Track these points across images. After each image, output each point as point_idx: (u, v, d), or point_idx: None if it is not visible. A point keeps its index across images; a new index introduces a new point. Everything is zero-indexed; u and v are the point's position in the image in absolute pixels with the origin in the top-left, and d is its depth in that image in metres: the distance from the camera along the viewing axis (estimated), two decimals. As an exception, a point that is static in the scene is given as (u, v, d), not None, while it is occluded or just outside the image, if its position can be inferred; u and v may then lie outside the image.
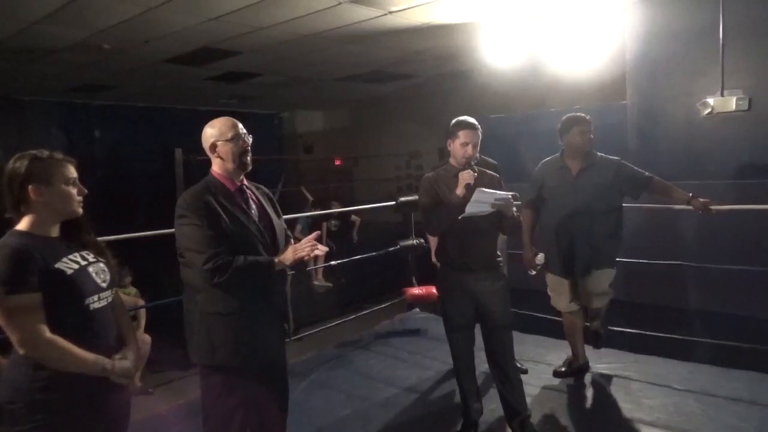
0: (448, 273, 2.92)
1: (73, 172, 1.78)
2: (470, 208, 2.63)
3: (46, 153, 1.74)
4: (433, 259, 3.72)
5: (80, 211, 1.80)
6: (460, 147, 2.83)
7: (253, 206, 2.23)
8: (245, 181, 2.26)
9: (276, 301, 2.23)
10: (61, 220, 1.77)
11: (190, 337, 2.17)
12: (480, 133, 2.85)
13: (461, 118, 2.89)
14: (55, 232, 1.76)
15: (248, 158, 2.19)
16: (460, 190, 2.73)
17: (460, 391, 3.00)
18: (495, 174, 2.98)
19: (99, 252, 1.85)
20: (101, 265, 1.81)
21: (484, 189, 2.61)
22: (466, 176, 2.73)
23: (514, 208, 2.70)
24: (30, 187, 1.68)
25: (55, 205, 1.73)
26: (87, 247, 1.81)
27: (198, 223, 2.04)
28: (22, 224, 1.71)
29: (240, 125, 2.19)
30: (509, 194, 2.67)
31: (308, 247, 2.10)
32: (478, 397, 3.01)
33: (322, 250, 2.14)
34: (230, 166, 2.16)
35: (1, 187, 1.71)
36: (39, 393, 1.60)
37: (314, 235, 2.21)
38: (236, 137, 2.15)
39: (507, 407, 2.88)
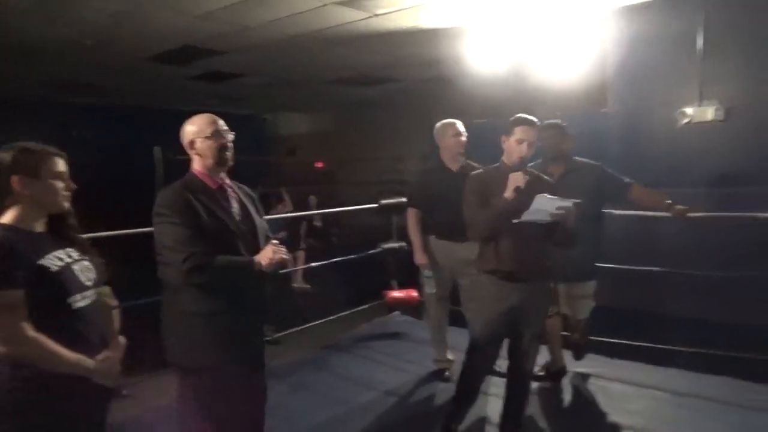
0: (490, 283, 2.66)
1: (62, 166, 1.73)
2: (528, 215, 2.45)
3: (36, 145, 1.70)
4: (417, 260, 3.71)
5: (67, 206, 1.76)
6: (515, 144, 2.63)
7: (235, 205, 2.20)
8: (227, 180, 2.23)
9: (256, 301, 2.20)
10: (46, 215, 1.73)
11: (167, 337, 2.13)
12: (539, 133, 2.70)
13: (520, 114, 2.69)
14: (40, 227, 1.71)
15: (228, 154, 2.16)
16: (509, 193, 2.53)
17: (456, 405, 2.89)
18: (549, 180, 2.81)
19: (85, 250, 1.80)
20: (86, 263, 1.76)
21: (547, 195, 2.45)
22: (518, 178, 2.53)
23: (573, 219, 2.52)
24: (15, 178, 1.64)
25: (41, 199, 1.69)
26: (73, 245, 1.77)
27: (176, 221, 2.00)
28: (6, 217, 1.66)
29: (220, 121, 2.16)
30: (572, 202, 2.48)
31: (281, 252, 2.09)
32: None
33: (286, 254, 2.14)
34: (210, 163, 2.13)
35: None
36: (18, 393, 1.56)
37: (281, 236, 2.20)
38: (216, 133, 2.13)
39: (509, 417, 2.82)
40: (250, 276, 2.09)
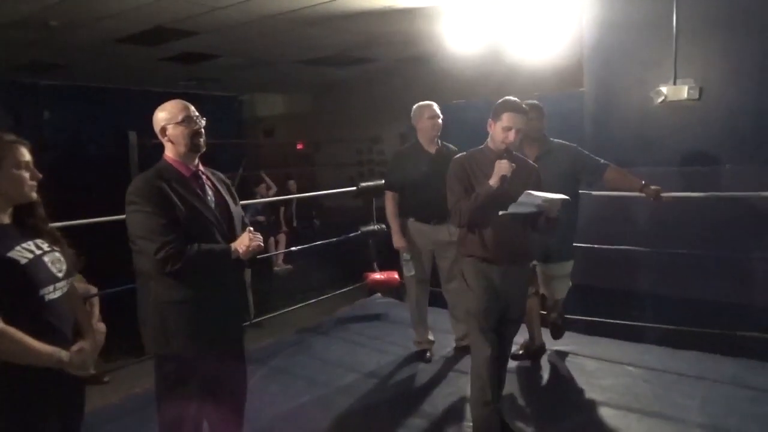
0: (477, 266, 2.64)
1: (25, 154, 1.68)
2: (513, 208, 2.43)
3: (3, 135, 1.66)
4: (396, 244, 3.73)
5: (33, 196, 1.71)
6: (501, 131, 2.57)
7: (209, 192, 2.17)
8: (200, 167, 2.20)
9: (232, 288, 2.19)
10: (12, 206, 1.69)
11: (143, 325, 2.12)
12: (527, 120, 2.64)
13: (508, 98, 2.61)
14: (6, 218, 1.67)
15: (201, 140, 2.13)
16: (494, 181, 2.50)
17: (482, 402, 2.63)
18: (534, 165, 2.80)
19: (54, 240, 1.77)
20: (56, 254, 1.73)
21: (532, 192, 2.42)
22: (505, 167, 2.49)
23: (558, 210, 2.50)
24: None
25: (5, 190, 1.64)
26: (41, 235, 1.73)
27: (149, 210, 1.98)
28: None
29: (191, 107, 2.13)
30: (560, 197, 2.46)
31: (258, 239, 2.09)
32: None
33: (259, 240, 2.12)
34: (182, 149, 2.10)
35: None
36: None
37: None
38: (187, 119, 2.09)
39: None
40: (226, 264, 2.08)
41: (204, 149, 2.15)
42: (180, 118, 2.09)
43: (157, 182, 2.03)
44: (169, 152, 2.13)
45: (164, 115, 2.10)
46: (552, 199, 2.43)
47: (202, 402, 2.12)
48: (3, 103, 8.61)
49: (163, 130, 2.10)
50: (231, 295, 2.19)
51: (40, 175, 1.72)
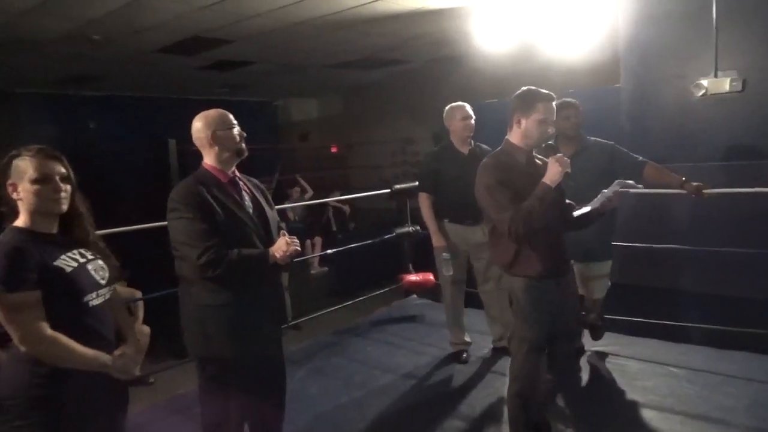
0: (532, 287, 2.36)
1: (48, 168, 1.69)
2: (589, 206, 2.29)
3: (29, 149, 1.70)
4: (435, 244, 3.69)
5: (63, 208, 1.73)
6: (537, 125, 2.31)
7: (246, 198, 2.23)
8: (237, 173, 2.26)
9: (270, 291, 2.24)
10: (50, 217, 1.73)
11: (185, 329, 2.19)
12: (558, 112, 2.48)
13: (533, 88, 2.37)
14: (53, 228, 1.74)
15: (244, 145, 2.21)
16: (554, 180, 2.23)
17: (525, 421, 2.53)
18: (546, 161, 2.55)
19: (99, 251, 1.84)
20: (100, 262, 1.81)
21: (625, 181, 2.30)
22: (564, 164, 2.23)
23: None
24: (9, 184, 1.68)
25: (32, 203, 1.68)
26: (86, 246, 1.80)
27: (190, 216, 2.04)
28: (20, 221, 1.70)
29: (230, 115, 2.20)
30: (622, 182, 2.34)
31: (295, 244, 2.12)
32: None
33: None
34: (227, 154, 2.17)
35: None
36: (39, 389, 1.61)
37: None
38: (231, 125, 2.18)
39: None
40: (264, 268, 2.13)
41: (247, 153, 2.23)
42: (223, 124, 2.16)
43: (197, 189, 2.09)
44: (208, 159, 2.19)
45: (207, 122, 2.17)
46: (617, 191, 2.33)
47: (243, 404, 2.17)
48: (49, 115, 8.96)
49: (207, 137, 2.15)
50: (269, 298, 2.23)
51: (62, 187, 1.71)
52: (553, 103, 2.37)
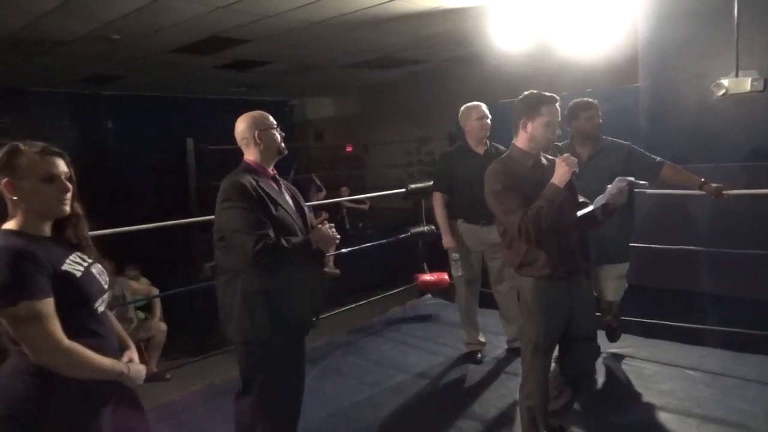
0: (540, 287, 2.36)
1: (55, 166, 1.55)
2: (591, 206, 2.26)
3: (32, 145, 1.55)
4: (445, 244, 3.71)
5: (66, 210, 1.59)
6: (543, 128, 2.31)
7: (285, 193, 2.36)
8: (275, 171, 2.39)
9: (313, 278, 2.34)
10: (45, 219, 1.58)
11: (227, 318, 2.27)
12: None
13: (536, 92, 2.36)
14: (46, 231, 1.59)
15: (284, 144, 2.34)
16: (562, 180, 2.22)
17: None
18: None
19: (93, 252, 1.71)
20: (99, 266, 1.69)
21: (626, 177, 2.25)
22: (572, 163, 2.22)
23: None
24: (3, 180, 1.51)
25: (31, 204, 1.53)
26: (82, 249, 1.67)
27: (245, 206, 2.13)
28: (12, 223, 1.54)
29: (271, 116, 2.34)
30: (626, 180, 2.29)
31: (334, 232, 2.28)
32: None
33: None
34: (270, 153, 2.30)
35: None
36: (39, 403, 1.48)
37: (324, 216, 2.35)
38: (273, 125, 2.32)
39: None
40: (308, 256, 2.25)
41: (286, 152, 2.35)
42: (269, 123, 2.31)
43: (250, 180, 2.19)
44: (251, 155, 2.31)
45: (254, 121, 2.30)
46: (621, 186, 2.28)
47: (278, 387, 2.29)
48: (68, 114, 9.09)
49: (255, 135, 2.27)
50: (310, 286, 2.33)
51: (70, 187, 1.59)
52: (557, 105, 2.36)
